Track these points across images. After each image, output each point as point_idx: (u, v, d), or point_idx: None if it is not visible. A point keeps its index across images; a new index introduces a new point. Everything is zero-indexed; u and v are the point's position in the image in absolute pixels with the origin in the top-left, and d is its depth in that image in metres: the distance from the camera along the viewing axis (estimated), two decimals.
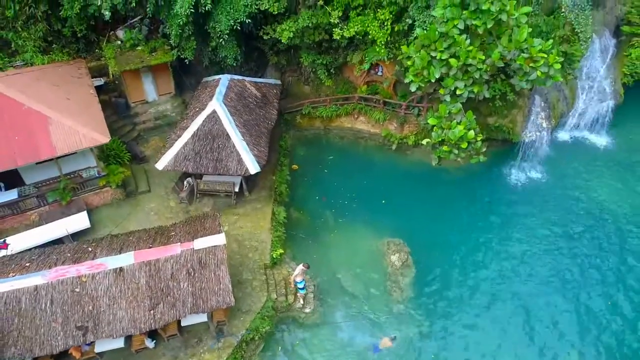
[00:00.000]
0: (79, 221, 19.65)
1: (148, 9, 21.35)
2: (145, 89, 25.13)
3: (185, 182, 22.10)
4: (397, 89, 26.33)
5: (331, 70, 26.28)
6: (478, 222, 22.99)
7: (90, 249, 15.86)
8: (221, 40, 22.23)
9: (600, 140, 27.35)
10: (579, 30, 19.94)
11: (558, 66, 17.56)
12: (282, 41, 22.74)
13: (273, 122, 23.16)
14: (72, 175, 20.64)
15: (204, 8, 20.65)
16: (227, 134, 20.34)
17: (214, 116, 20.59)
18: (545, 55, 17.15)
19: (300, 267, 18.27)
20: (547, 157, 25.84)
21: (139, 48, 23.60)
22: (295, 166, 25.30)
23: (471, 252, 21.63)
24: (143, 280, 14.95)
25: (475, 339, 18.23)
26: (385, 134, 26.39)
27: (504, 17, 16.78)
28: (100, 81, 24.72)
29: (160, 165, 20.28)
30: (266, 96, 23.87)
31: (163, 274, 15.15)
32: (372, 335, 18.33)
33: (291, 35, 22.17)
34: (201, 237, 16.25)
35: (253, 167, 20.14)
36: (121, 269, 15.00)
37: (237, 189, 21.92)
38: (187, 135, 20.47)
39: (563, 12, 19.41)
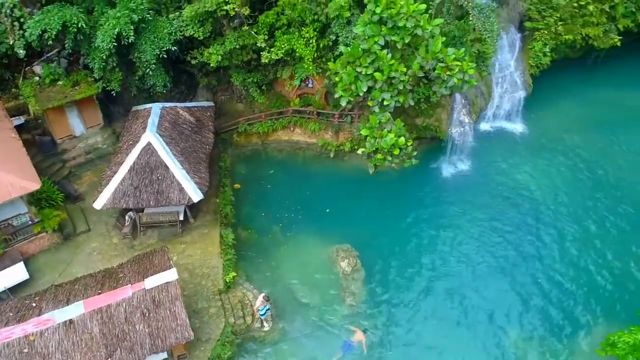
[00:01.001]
0: (16, 274, 18.70)
1: (67, 44, 20.59)
2: (71, 123, 24.21)
3: (126, 217, 21.64)
4: (329, 99, 27.17)
5: (263, 87, 26.63)
6: (417, 217, 24.39)
7: (34, 304, 15.29)
8: (148, 69, 21.89)
9: (517, 127, 29.81)
10: (486, 36, 21.75)
11: (472, 71, 19.12)
12: (211, 65, 22.78)
13: (211, 146, 23.19)
14: (1, 226, 19.55)
15: (126, 40, 20.27)
16: (166, 165, 20.16)
17: (149, 148, 20.30)
18: (460, 63, 18.59)
19: (260, 298, 18.64)
20: (473, 148, 27.73)
21: (60, 83, 22.67)
22: (237, 185, 25.44)
23: (415, 247, 22.95)
24: (96, 329, 14.68)
25: (429, 333, 19.47)
26: (322, 143, 27.17)
27: (419, 31, 18.01)
28: (20, 120, 23.51)
29: (99, 204, 19.73)
30: (200, 120, 23.82)
31: (117, 319, 14.95)
32: (330, 343, 19.04)
33: (219, 58, 22.31)
34: (152, 275, 16.19)
35: (196, 195, 20.14)
36: (71, 321, 14.64)
37: (181, 217, 21.78)
38: (123, 170, 20.05)
39: (471, 20, 21.06)
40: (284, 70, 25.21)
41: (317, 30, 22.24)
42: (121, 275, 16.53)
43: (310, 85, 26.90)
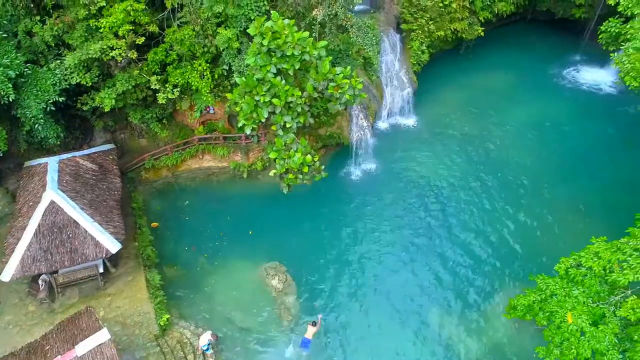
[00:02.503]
0: None
1: None
2: None
3: (40, 281, 20.48)
4: (233, 122, 27.61)
5: (163, 120, 26.32)
6: (335, 223, 25.88)
7: None
8: (37, 125, 20.76)
9: (410, 121, 32.53)
10: (368, 49, 23.58)
11: (360, 86, 20.69)
12: (105, 109, 22.15)
13: (119, 191, 22.61)
14: None
15: (6, 99, 19.08)
16: (75, 221, 19.45)
17: (53, 207, 19.42)
18: (348, 81, 20.07)
19: (208, 337, 18.83)
20: (375, 148, 29.84)
21: None
22: (154, 224, 25.02)
23: (339, 252, 24.39)
24: None
25: (364, 326, 21.05)
26: (234, 166, 27.60)
27: (307, 57, 19.14)
28: None
29: (6, 276, 18.56)
30: (103, 166, 23.07)
31: None
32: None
33: (113, 102, 21.74)
34: (81, 340, 15.80)
35: (113, 246, 19.72)
36: None
37: (101, 270, 21.12)
38: (28, 235, 19.01)
39: (352, 36, 22.70)
40: (182, 101, 25.19)
41: (208, 61, 22.54)
42: (47, 347, 15.89)
43: (212, 111, 27.14)
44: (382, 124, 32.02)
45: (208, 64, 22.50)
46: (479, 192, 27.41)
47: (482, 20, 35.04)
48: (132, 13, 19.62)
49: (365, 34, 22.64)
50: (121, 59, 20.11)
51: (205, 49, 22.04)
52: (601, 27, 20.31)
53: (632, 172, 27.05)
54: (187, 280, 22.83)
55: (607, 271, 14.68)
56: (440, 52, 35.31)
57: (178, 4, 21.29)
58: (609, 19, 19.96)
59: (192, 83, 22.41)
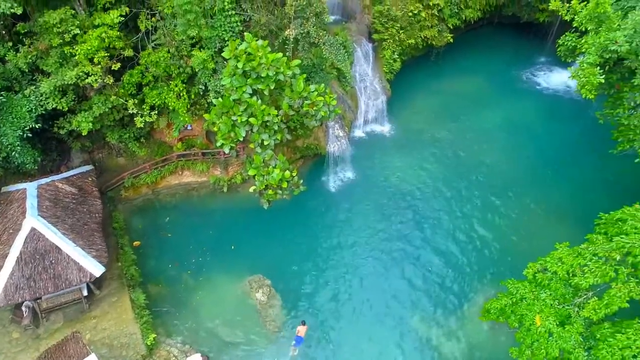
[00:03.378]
0: None
1: None
2: None
3: (23, 308, 20.53)
4: (212, 137, 27.88)
5: (141, 139, 26.45)
6: (315, 233, 26.55)
7: None
8: (13, 152, 20.75)
9: (385, 129, 33.36)
10: (340, 65, 24.26)
11: (334, 102, 21.33)
12: (83, 133, 22.24)
13: (100, 213, 22.73)
14: None
15: None
16: (57, 247, 19.57)
17: (34, 233, 19.50)
18: (323, 98, 20.67)
19: (199, 359, 19.19)
20: (352, 157, 30.54)
21: None
22: (136, 243, 25.19)
23: (319, 262, 25.07)
24: None
25: (348, 331, 21.86)
26: (214, 180, 27.92)
27: (281, 77, 19.66)
28: None
29: None
30: (83, 188, 23.15)
31: None
32: None
33: (90, 125, 21.85)
34: None
35: (97, 269, 19.92)
36: None
37: (85, 292, 21.27)
38: (10, 263, 19.06)
39: (324, 53, 23.28)
40: (160, 119, 25.37)
41: (184, 81, 22.84)
42: None
43: (189, 128, 27.38)
44: (358, 133, 32.76)
45: (184, 84, 22.81)
46: (453, 198, 28.40)
47: (451, 27, 36.08)
48: (106, 39, 19.80)
49: (338, 50, 23.29)
50: (97, 84, 20.27)
51: (181, 70, 22.35)
52: (559, 41, 21.40)
53: (593, 175, 28.51)
54: (172, 298, 23.14)
55: (571, 275, 15.68)
56: (411, 59, 36.21)
57: (152, 26, 21.54)
58: (566, 32, 21.09)
59: (169, 103, 22.68)
